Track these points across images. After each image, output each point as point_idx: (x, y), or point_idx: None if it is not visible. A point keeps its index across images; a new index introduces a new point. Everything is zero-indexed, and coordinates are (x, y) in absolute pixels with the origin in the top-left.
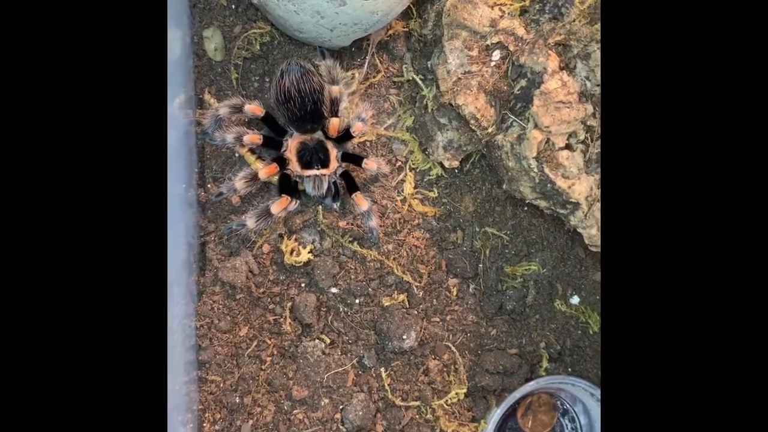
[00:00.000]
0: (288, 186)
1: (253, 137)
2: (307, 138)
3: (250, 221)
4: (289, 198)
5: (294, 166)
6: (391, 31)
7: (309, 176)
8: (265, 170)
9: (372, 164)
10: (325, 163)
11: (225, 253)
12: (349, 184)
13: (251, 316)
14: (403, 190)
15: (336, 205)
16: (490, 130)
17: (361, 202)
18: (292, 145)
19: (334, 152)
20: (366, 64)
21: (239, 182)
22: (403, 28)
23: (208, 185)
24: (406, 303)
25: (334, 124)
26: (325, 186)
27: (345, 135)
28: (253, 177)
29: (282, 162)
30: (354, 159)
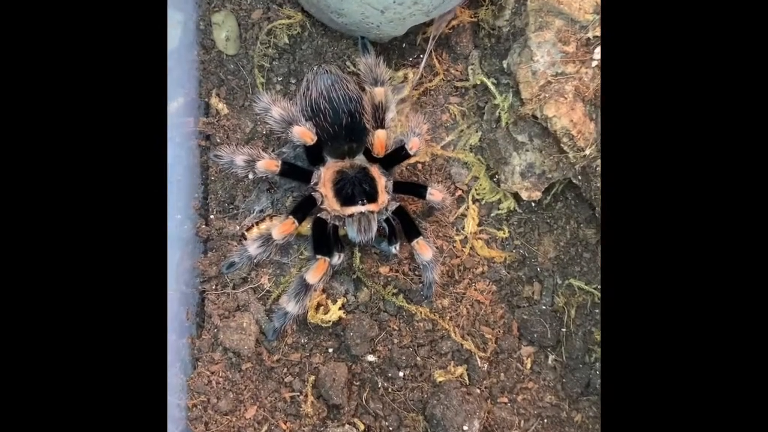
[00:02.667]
0: (324, 238)
1: (268, 164)
2: (345, 164)
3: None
4: (326, 260)
5: (331, 204)
6: (454, 22)
7: (352, 215)
8: (280, 229)
9: (438, 195)
10: (372, 197)
11: (230, 307)
12: (406, 226)
13: (261, 392)
14: (463, 228)
15: (396, 248)
16: (588, 152)
17: (425, 250)
18: (326, 175)
19: (382, 181)
20: (423, 61)
21: (253, 247)
22: (471, 17)
23: (212, 216)
24: (466, 378)
25: (380, 139)
26: (374, 227)
27: (393, 157)
28: (269, 238)
29: (310, 204)
30: (411, 189)
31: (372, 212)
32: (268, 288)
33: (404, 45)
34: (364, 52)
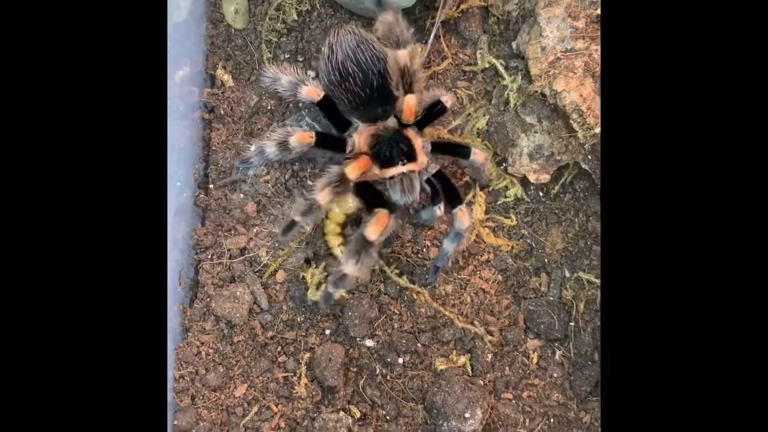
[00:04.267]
0: (374, 194)
1: (302, 136)
2: (378, 127)
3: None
4: (386, 212)
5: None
6: (463, 6)
7: (393, 177)
8: (355, 166)
9: (481, 156)
10: (411, 157)
11: (225, 277)
12: (448, 193)
13: (253, 369)
14: (470, 214)
15: (440, 210)
16: (597, 129)
17: (466, 218)
18: (360, 140)
19: (419, 141)
20: (430, 41)
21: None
22: (480, 2)
23: (211, 186)
24: (469, 369)
25: (410, 105)
26: (417, 187)
27: (426, 116)
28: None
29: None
30: (452, 150)
31: (413, 172)
32: (265, 261)
33: (412, 29)
34: (379, 7)
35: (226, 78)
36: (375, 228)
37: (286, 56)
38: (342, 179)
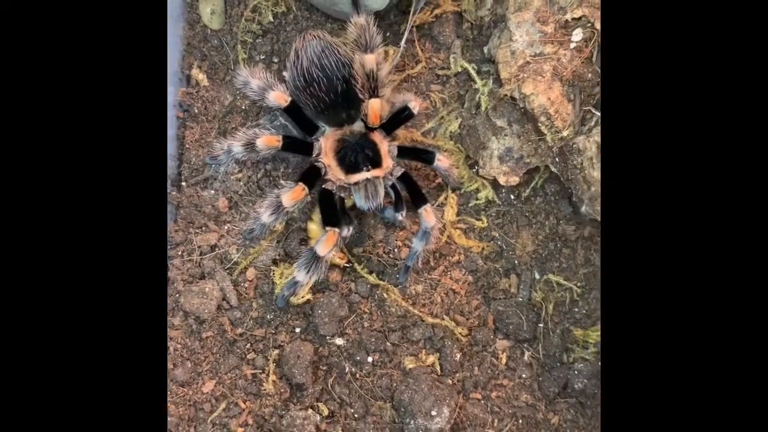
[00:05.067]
0: (332, 209)
1: (269, 140)
2: (344, 132)
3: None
4: (336, 231)
5: (335, 173)
6: (437, 11)
7: (358, 183)
8: (290, 195)
9: (445, 161)
10: (376, 162)
11: (194, 274)
12: (413, 193)
13: (221, 365)
14: (442, 216)
15: (401, 216)
16: (565, 133)
17: (431, 217)
18: (327, 145)
19: (384, 146)
20: (401, 45)
21: (266, 215)
22: (454, 7)
23: (183, 183)
24: (438, 368)
25: (374, 109)
26: (381, 193)
27: (394, 120)
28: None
29: (314, 174)
30: (417, 155)
31: (377, 177)
32: (235, 258)
33: (388, 34)
34: (356, 11)
35: (201, 77)
36: (325, 246)
37: (262, 57)
38: (278, 206)
